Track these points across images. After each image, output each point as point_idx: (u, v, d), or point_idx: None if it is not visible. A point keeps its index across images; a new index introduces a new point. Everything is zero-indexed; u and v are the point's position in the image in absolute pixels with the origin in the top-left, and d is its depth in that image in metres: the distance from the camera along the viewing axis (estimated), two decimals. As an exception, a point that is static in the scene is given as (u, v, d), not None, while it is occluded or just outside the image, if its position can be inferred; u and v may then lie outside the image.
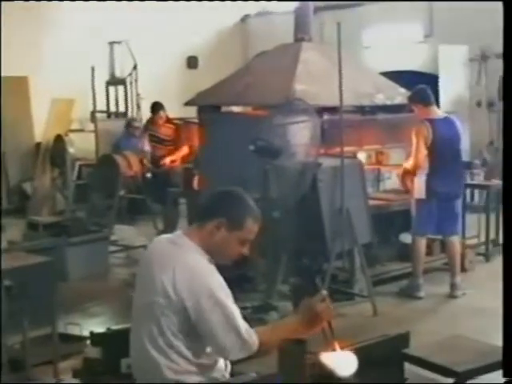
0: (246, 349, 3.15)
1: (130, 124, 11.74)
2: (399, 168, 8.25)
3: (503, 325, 2.39)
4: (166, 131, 10.85)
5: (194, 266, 3.16)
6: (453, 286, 7.50)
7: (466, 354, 3.96)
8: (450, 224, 7.48)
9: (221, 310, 3.11)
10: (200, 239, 3.25)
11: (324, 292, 3.23)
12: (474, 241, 9.06)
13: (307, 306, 3.23)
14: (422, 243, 7.51)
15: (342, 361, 2.98)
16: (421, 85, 7.57)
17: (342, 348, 3.03)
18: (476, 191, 10.91)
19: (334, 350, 2.97)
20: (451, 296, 7.45)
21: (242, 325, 3.15)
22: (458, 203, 7.56)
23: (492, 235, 9.09)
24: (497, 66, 12.33)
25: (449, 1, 12.64)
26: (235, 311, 3.16)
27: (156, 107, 10.93)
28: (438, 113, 7.51)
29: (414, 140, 7.27)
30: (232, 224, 3.23)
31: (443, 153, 7.27)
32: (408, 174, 7.71)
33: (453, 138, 7.40)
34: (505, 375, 2.31)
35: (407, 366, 3.87)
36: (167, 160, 10.57)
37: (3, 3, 9.99)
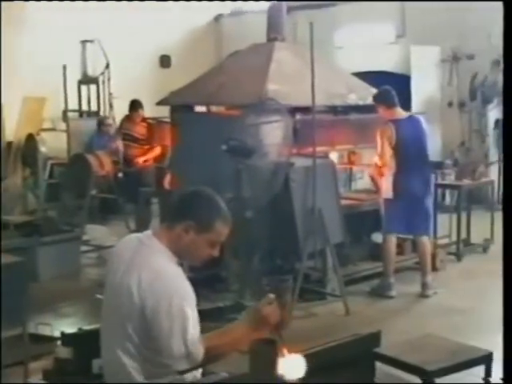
0: (191, 360, 3.10)
1: (102, 122, 11.68)
2: (371, 167, 8.31)
3: (503, 325, 2.40)
4: (141, 130, 10.81)
5: (158, 269, 3.11)
6: (424, 286, 7.54)
7: (436, 353, 3.98)
8: (419, 223, 7.51)
9: (175, 317, 3.04)
10: (169, 240, 3.20)
11: (271, 295, 3.19)
12: (446, 240, 9.13)
13: (253, 310, 3.22)
14: (393, 242, 7.54)
15: (290, 365, 2.94)
16: (385, 86, 7.61)
17: (290, 352, 3.00)
18: (447, 191, 11.00)
19: (282, 354, 2.92)
20: (422, 295, 7.49)
21: (191, 335, 3.08)
22: (427, 203, 7.57)
23: (463, 235, 9.16)
24: (468, 67, 12.45)
25: (422, 0, 12.71)
26: (190, 320, 3.09)
27: (135, 105, 10.87)
28: (402, 113, 7.52)
29: (379, 141, 7.31)
30: (200, 227, 3.17)
31: (408, 152, 7.31)
32: (381, 174, 7.79)
33: (417, 138, 7.43)
34: (505, 375, 2.32)
35: (378, 365, 3.89)
36: (140, 160, 10.53)
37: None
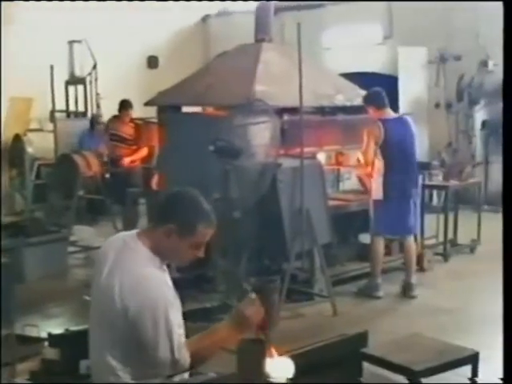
0: (178, 367, 3.09)
1: (96, 120, 11.65)
2: (358, 167, 8.32)
3: (503, 324, 2.41)
4: (128, 130, 10.77)
5: (140, 274, 3.08)
6: (408, 286, 7.56)
7: (423, 353, 4.00)
8: (406, 224, 7.53)
9: (160, 326, 3.01)
10: (153, 242, 3.17)
11: (253, 295, 3.18)
12: (433, 241, 9.15)
13: (236, 311, 3.21)
14: (380, 243, 7.56)
15: (278, 367, 2.95)
16: (376, 87, 7.64)
17: (278, 352, 3.00)
18: (434, 192, 11.04)
19: (270, 355, 2.92)
20: (409, 296, 7.51)
21: (177, 342, 3.06)
22: (414, 203, 7.60)
23: (450, 235, 9.19)
24: (455, 68, 12.50)
25: (410, 0, 12.74)
26: (175, 327, 3.06)
27: (125, 104, 10.83)
28: (392, 114, 7.56)
29: (365, 139, 7.32)
30: (183, 230, 3.14)
31: (396, 153, 7.33)
32: (369, 174, 7.83)
33: (406, 138, 7.46)
34: (505, 375, 2.34)
35: (366, 365, 3.90)
36: (126, 160, 10.51)
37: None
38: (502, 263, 2.47)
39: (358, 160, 7.55)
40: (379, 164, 7.31)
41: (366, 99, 7.62)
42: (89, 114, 13.30)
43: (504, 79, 2.56)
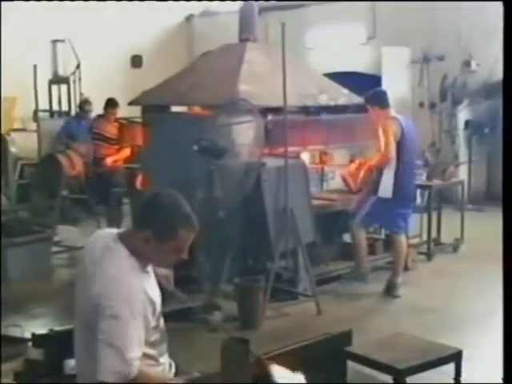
0: (121, 377, 2.95)
1: (83, 105, 11.62)
2: (343, 168, 8.35)
3: (503, 324, 2.42)
4: (112, 130, 10.76)
5: (113, 278, 3.04)
6: (392, 286, 7.59)
7: (407, 352, 4.02)
8: (401, 222, 7.61)
9: (118, 325, 2.96)
10: (133, 245, 3.13)
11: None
12: (416, 240, 9.19)
13: None
14: (363, 233, 7.71)
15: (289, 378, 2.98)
16: (379, 88, 7.77)
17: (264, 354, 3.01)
18: (418, 191, 11.07)
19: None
20: (393, 295, 7.53)
21: (131, 352, 2.97)
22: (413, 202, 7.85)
23: (433, 234, 9.23)
24: (438, 68, 12.55)
25: (394, 0, 12.78)
26: (131, 337, 2.99)
27: (111, 103, 10.81)
28: (396, 114, 7.61)
29: (383, 134, 7.32)
30: (162, 236, 3.09)
31: (407, 151, 7.41)
32: (352, 174, 7.88)
33: (413, 137, 7.59)
34: (505, 375, 2.34)
35: (350, 364, 3.92)
36: (109, 160, 10.49)
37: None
38: (503, 263, 2.48)
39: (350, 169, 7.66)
40: (377, 162, 7.38)
41: (370, 99, 7.64)
42: (73, 114, 13.26)
43: (504, 79, 2.57)
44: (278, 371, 3.01)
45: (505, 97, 2.54)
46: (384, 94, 7.67)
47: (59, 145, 10.72)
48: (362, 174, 7.74)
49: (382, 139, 7.33)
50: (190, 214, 3.15)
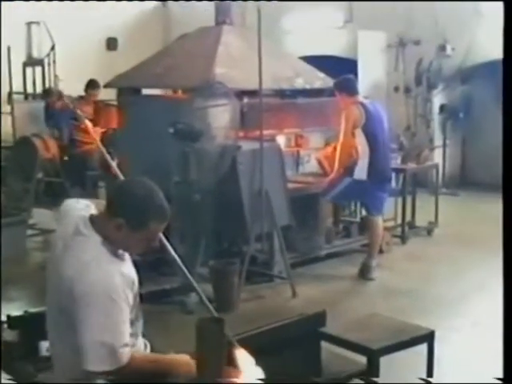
0: (110, 362, 2.94)
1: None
2: (318, 151, 8.38)
3: (503, 324, 2.45)
4: (90, 111, 10.68)
5: (87, 262, 2.99)
6: (367, 268, 7.64)
7: (380, 332, 4.05)
8: (379, 204, 7.70)
9: (100, 312, 2.93)
10: (105, 231, 3.08)
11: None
12: (391, 223, 9.25)
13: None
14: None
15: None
16: (347, 75, 7.78)
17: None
18: (393, 175, 11.12)
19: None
20: (367, 278, 7.58)
21: (117, 335, 2.95)
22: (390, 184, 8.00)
23: (408, 218, 9.29)
24: (414, 53, 12.59)
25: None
26: (115, 321, 2.96)
27: (92, 84, 10.71)
28: (364, 100, 7.66)
29: (343, 122, 7.39)
30: (133, 225, 3.05)
31: (378, 135, 7.48)
32: (328, 157, 7.91)
33: (382, 122, 7.63)
34: (505, 375, 2.38)
35: (325, 345, 3.95)
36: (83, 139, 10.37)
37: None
38: (503, 262, 2.51)
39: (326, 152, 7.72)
40: (363, 146, 7.40)
41: (338, 86, 7.68)
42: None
43: (504, 79, 2.58)
44: (241, 356, 3.01)
45: (505, 96, 2.56)
46: (353, 81, 7.74)
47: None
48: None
49: (342, 126, 7.41)
50: (162, 206, 3.11)
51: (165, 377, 2.95)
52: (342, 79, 7.75)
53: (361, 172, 7.47)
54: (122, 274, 3.06)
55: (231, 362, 2.96)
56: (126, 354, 2.97)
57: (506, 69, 2.56)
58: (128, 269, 3.18)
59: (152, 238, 3.15)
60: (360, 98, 7.62)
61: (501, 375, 2.48)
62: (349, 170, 7.56)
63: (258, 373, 3.00)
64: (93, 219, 3.15)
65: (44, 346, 3.81)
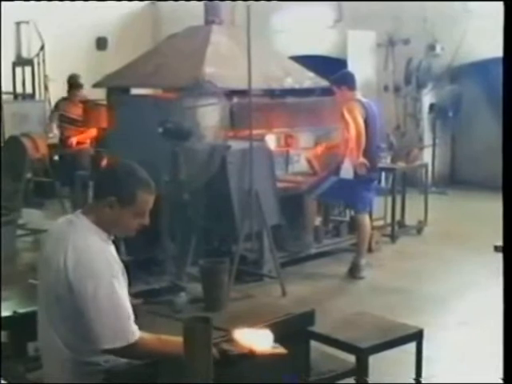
0: (123, 337, 3.04)
1: None
2: (308, 151, 8.39)
3: (503, 324, 2.46)
4: (77, 111, 10.64)
5: (84, 246, 3.10)
6: (356, 267, 7.65)
7: (369, 331, 4.06)
8: (367, 202, 7.70)
9: (102, 294, 3.02)
10: (96, 217, 3.20)
11: None
12: (380, 222, 9.27)
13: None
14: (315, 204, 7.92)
15: (256, 337, 3.04)
16: (347, 69, 7.81)
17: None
18: (382, 174, 11.15)
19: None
20: (357, 277, 7.60)
21: (125, 311, 3.07)
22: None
23: (397, 217, 9.31)
24: (404, 52, 12.61)
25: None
26: (121, 299, 3.07)
27: (74, 84, 10.68)
28: (360, 98, 7.66)
29: (349, 116, 7.35)
30: (123, 201, 3.18)
31: (372, 132, 7.46)
32: (317, 157, 7.94)
33: (376, 120, 7.64)
34: (505, 375, 2.38)
35: (314, 344, 3.96)
36: (73, 140, 10.37)
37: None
38: (503, 262, 2.52)
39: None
40: (352, 143, 7.38)
41: (337, 80, 7.67)
42: (37, 96, 13.14)
43: (504, 79, 2.59)
44: (241, 334, 3.08)
45: (505, 96, 2.57)
46: (352, 75, 7.78)
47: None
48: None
49: (350, 119, 7.36)
50: (146, 178, 3.27)
51: (173, 358, 3.00)
52: (341, 73, 7.77)
53: (347, 171, 7.46)
54: (114, 257, 3.20)
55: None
56: (135, 329, 3.08)
57: (506, 69, 2.56)
58: (115, 254, 3.28)
59: (142, 213, 3.25)
60: (359, 94, 7.61)
61: (491, 373, 2.48)
62: (335, 169, 7.58)
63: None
64: (83, 209, 3.31)
65: (32, 346, 3.82)
